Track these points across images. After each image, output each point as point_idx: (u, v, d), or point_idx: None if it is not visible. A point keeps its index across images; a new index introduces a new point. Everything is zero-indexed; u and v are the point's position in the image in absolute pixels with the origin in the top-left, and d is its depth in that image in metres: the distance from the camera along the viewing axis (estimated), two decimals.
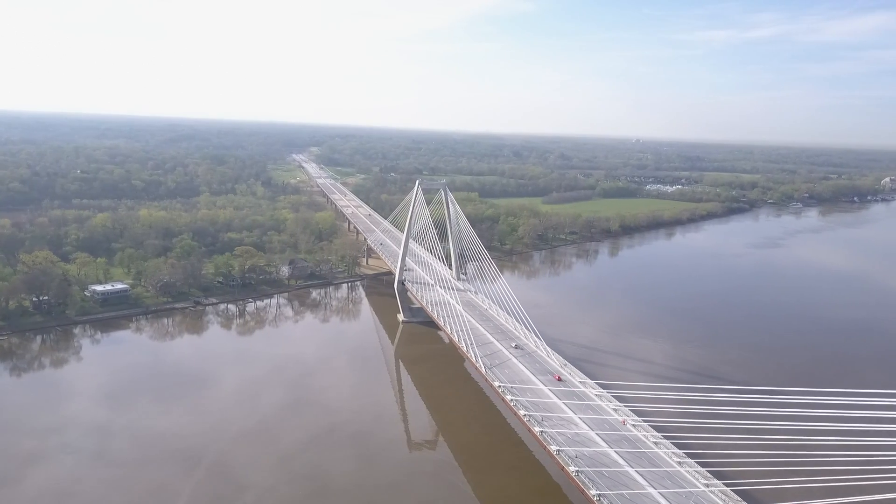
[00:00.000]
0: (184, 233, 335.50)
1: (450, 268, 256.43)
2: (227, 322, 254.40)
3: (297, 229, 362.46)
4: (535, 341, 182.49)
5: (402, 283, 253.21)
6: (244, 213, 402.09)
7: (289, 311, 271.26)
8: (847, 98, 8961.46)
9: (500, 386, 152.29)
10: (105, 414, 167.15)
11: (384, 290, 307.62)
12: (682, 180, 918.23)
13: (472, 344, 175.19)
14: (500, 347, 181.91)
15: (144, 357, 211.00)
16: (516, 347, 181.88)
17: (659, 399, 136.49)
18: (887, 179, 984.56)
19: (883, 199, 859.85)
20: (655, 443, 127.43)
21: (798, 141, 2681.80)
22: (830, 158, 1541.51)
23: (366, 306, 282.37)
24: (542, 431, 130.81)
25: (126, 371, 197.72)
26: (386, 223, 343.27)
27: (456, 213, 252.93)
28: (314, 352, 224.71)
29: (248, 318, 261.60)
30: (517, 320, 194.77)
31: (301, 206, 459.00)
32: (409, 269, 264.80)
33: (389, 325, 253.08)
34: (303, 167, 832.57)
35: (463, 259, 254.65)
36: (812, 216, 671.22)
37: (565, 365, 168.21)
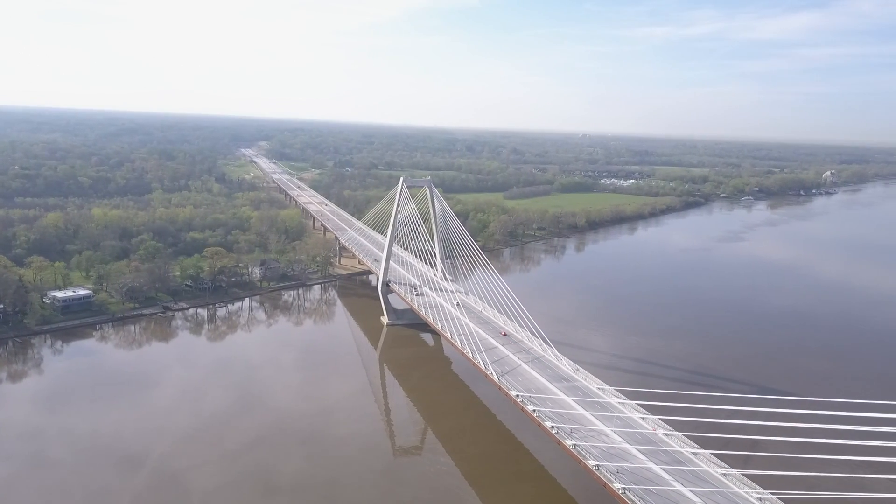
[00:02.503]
0: (142, 233, 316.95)
1: (434, 267, 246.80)
2: (198, 328, 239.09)
3: (263, 228, 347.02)
4: (542, 345, 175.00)
5: (386, 284, 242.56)
6: (204, 212, 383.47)
7: (263, 315, 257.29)
8: (780, 94, 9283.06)
9: (518, 395, 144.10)
10: (79, 423, 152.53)
11: (361, 290, 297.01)
12: (636, 174, 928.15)
13: (479, 350, 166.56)
14: (507, 353, 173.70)
15: (112, 368, 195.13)
16: (523, 352, 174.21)
17: (690, 410, 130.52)
18: (828, 173, 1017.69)
19: (826, 192, 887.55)
20: (694, 454, 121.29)
21: (738, 135, 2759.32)
22: (770, 152, 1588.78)
23: (344, 308, 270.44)
24: (574, 445, 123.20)
25: (95, 383, 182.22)
26: (359, 223, 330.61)
27: (443, 210, 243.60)
28: (294, 358, 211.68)
29: (219, 322, 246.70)
30: (519, 323, 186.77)
31: (262, 203, 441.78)
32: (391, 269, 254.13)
33: (372, 328, 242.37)
34: (255, 162, 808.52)
35: (450, 258, 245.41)
36: (765, 209, 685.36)
37: (577, 370, 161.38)
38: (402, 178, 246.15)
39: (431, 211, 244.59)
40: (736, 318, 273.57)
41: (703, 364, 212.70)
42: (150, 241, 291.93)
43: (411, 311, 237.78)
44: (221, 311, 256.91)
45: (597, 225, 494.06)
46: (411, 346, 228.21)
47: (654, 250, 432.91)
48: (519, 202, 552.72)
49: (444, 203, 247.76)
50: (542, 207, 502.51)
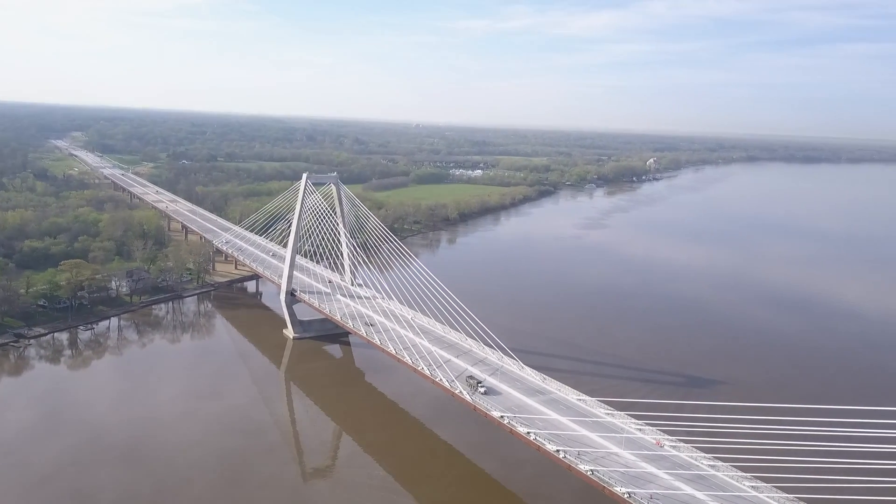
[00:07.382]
0: None
1: (340, 271, 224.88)
2: (57, 357, 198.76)
3: (118, 232, 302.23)
4: (496, 353, 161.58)
5: (291, 293, 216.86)
6: (38, 215, 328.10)
7: (136, 335, 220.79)
8: (589, 87, 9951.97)
9: (503, 417, 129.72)
10: None
11: (246, 299, 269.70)
12: (481, 164, 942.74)
13: (438, 365, 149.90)
14: (465, 365, 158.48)
15: None
16: (480, 363, 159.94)
17: (686, 418, 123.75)
18: (651, 161, 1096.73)
19: (653, 178, 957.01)
20: (711, 465, 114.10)
21: (557, 125, 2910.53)
22: (594, 141, 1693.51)
23: (234, 321, 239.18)
24: (592, 471, 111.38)
25: None
26: (237, 227, 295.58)
27: (350, 208, 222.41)
28: (183, 385, 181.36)
29: (84, 348, 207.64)
30: (462, 331, 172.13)
31: (105, 204, 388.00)
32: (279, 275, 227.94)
33: (275, 343, 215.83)
34: (75, 155, 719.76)
35: (363, 258, 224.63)
36: (608, 196, 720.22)
37: (545, 379, 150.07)
38: (305, 175, 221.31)
39: (339, 209, 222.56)
40: (638, 304, 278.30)
41: (636, 359, 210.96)
42: None
43: (319, 322, 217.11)
44: (86, 335, 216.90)
45: (467, 216, 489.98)
46: (319, 360, 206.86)
47: (530, 239, 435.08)
48: (383, 195, 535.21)
49: (357, 200, 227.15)
50: (407, 199, 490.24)
